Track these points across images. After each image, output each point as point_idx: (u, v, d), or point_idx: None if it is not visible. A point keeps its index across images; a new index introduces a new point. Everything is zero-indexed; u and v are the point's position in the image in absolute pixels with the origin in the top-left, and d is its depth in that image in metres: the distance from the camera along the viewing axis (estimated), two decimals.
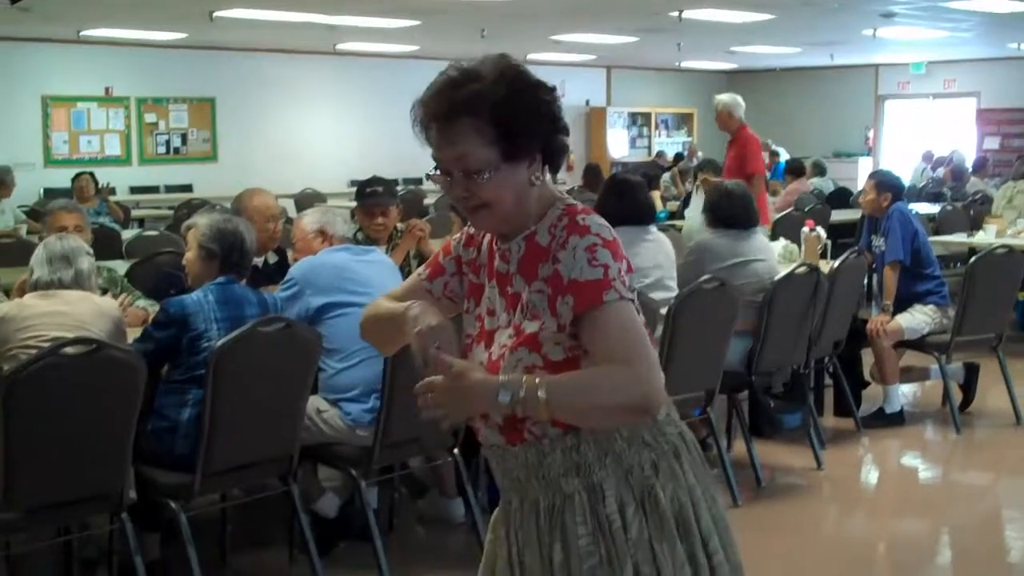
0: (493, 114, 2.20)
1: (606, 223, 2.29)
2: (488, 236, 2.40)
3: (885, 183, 7.09)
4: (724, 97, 9.90)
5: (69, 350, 3.72)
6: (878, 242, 6.99)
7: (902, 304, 6.88)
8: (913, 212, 7.16)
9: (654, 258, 5.73)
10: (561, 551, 2.28)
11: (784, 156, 18.20)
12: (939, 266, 7.17)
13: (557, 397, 2.12)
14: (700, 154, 19.69)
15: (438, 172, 2.27)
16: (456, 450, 4.76)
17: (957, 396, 7.13)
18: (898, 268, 6.81)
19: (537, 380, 2.12)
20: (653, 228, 5.95)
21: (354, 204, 6.25)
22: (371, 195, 5.76)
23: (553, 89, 2.31)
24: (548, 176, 2.34)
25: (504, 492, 2.42)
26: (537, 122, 2.26)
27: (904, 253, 6.79)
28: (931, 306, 6.87)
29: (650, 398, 2.14)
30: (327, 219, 5.13)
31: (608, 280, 2.19)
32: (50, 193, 13.91)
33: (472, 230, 2.44)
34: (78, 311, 4.19)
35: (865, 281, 7.91)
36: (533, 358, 2.24)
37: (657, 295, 5.39)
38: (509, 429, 2.31)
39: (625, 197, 5.84)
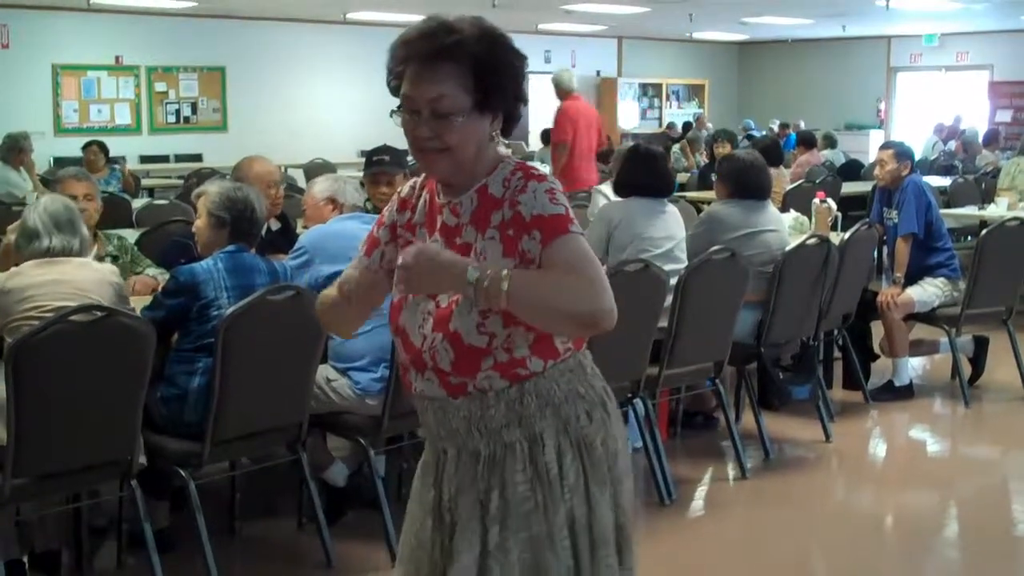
0: (474, 64, 2.31)
1: None
2: (425, 194, 2.48)
3: (905, 152, 7.05)
4: (556, 72, 11.15)
5: (77, 317, 3.72)
6: (891, 214, 6.96)
7: (913, 277, 6.86)
8: (927, 184, 7.13)
9: (666, 229, 5.71)
10: (499, 497, 2.39)
11: (798, 127, 18.16)
12: (950, 239, 7.14)
13: (519, 290, 2.18)
14: (710, 125, 19.68)
15: (402, 110, 2.35)
16: None
17: (966, 369, 7.12)
18: (911, 241, 6.79)
19: (503, 272, 2.19)
20: (666, 200, 5.93)
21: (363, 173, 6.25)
22: (377, 163, 5.74)
23: (525, 58, 2.41)
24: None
25: (436, 442, 2.49)
26: (509, 82, 2.37)
27: (918, 226, 6.77)
28: (942, 279, 6.85)
29: (602, 315, 2.21)
30: (337, 187, 5.13)
31: (570, 216, 2.32)
32: (60, 162, 13.92)
33: (405, 193, 2.54)
34: (79, 279, 4.17)
35: (875, 254, 7.88)
36: None
37: (668, 266, 5.37)
38: (452, 382, 2.38)
39: (647, 168, 5.82)
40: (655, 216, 5.69)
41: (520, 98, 2.41)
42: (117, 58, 16.90)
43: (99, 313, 3.77)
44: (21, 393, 3.66)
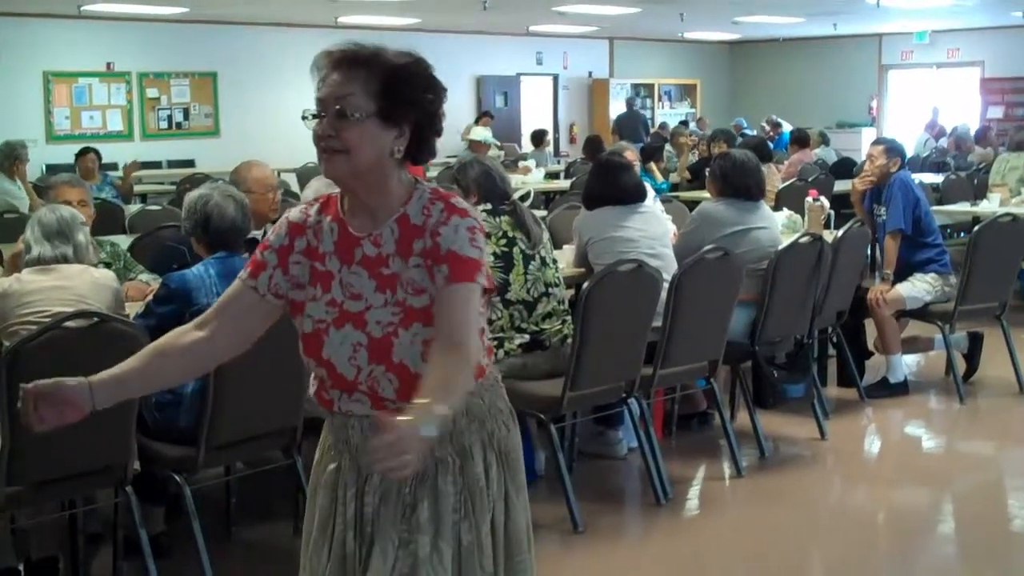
0: (384, 75, 2.37)
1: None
2: (330, 223, 2.48)
3: (895, 149, 7.06)
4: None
5: (72, 324, 3.72)
6: (880, 211, 6.97)
7: (903, 273, 6.87)
8: (914, 180, 7.14)
9: (643, 229, 5.70)
10: (428, 508, 2.43)
11: (787, 127, 18.18)
12: (940, 234, 7.15)
13: (453, 404, 2.25)
14: (708, 121, 19.70)
15: (313, 113, 2.40)
16: None
17: (961, 365, 7.13)
18: (899, 237, 6.80)
19: (440, 410, 2.19)
20: (648, 202, 5.94)
21: None
22: None
23: (442, 90, 2.46)
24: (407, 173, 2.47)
25: (358, 456, 2.47)
26: (418, 102, 2.41)
27: (905, 222, 6.77)
28: (932, 274, 6.86)
29: (474, 380, 2.39)
30: (330, 191, 5.12)
31: (481, 263, 2.40)
32: (52, 169, 13.88)
33: (295, 218, 2.53)
34: (77, 284, 4.18)
35: (869, 251, 7.90)
36: (428, 331, 2.37)
37: (652, 264, 5.37)
38: (389, 407, 2.37)
39: (609, 180, 5.83)
40: (628, 219, 5.70)
41: (432, 126, 2.44)
42: (108, 65, 16.89)
43: (94, 319, 3.77)
44: (15, 399, 3.65)
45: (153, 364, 2.54)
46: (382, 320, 2.39)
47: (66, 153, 13.44)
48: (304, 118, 2.42)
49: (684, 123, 19.67)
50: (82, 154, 11.74)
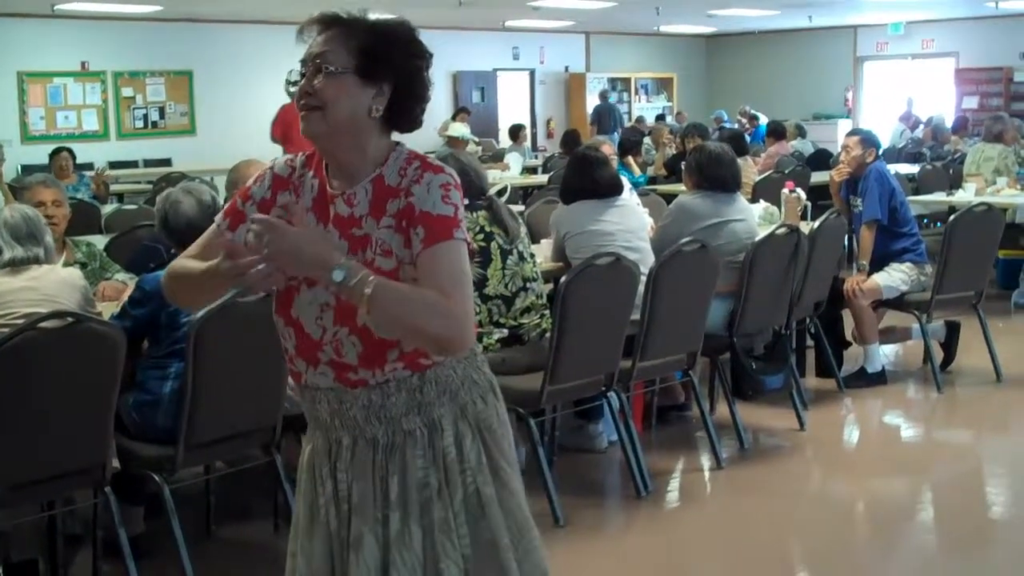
0: (365, 34, 2.36)
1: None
2: (313, 179, 2.46)
3: (870, 139, 7.10)
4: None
5: (48, 324, 3.70)
6: (856, 202, 6.99)
7: (879, 263, 6.90)
8: (890, 171, 7.16)
9: (620, 222, 5.71)
10: (398, 484, 2.42)
11: (763, 120, 18.24)
12: (916, 224, 7.18)
13: (380, 299, 2.21)
14: (685, 114, 19.74)
15: (295, 80, 2.39)
16: None
17: (938, 355, 7.16)
18: (875, 227, 6.82)
19: (371, 277, 2.21)
20: (625, 195, 5.94)
21: None
22: None
23: (428, 57, 2.43)
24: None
25: (328, 431, 2.48)
26: (399, 61, 2.38)
27: (882, 212, 6.80)
28: (908, 264, 6.89)
29: (456, 344, 2.31)
30: None
31: (457, 219, 2.35)
32: (28, 170, 13.78)
33: (280, 170, 2.51)
34: (45, 285, 4.15)
35: (845, 242, 7.92)
36: None
37: (629, 256, 5.37)
38: (352, 377, 2.39)
39: (585, 174, 5.83)
40: (605, 212, 5.71)
41: (414, 90, 2.41)
42: (83, 64, 16.81)
43: (69, 319, 3.76)
44: None
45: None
46: None
47: (41, 153, 13.37)
48: (288, 84, 2.41)
49: (662, 117, 19.72)
50: (55, 154, 11.69)
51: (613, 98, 22.61)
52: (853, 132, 7.37)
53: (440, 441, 2.43)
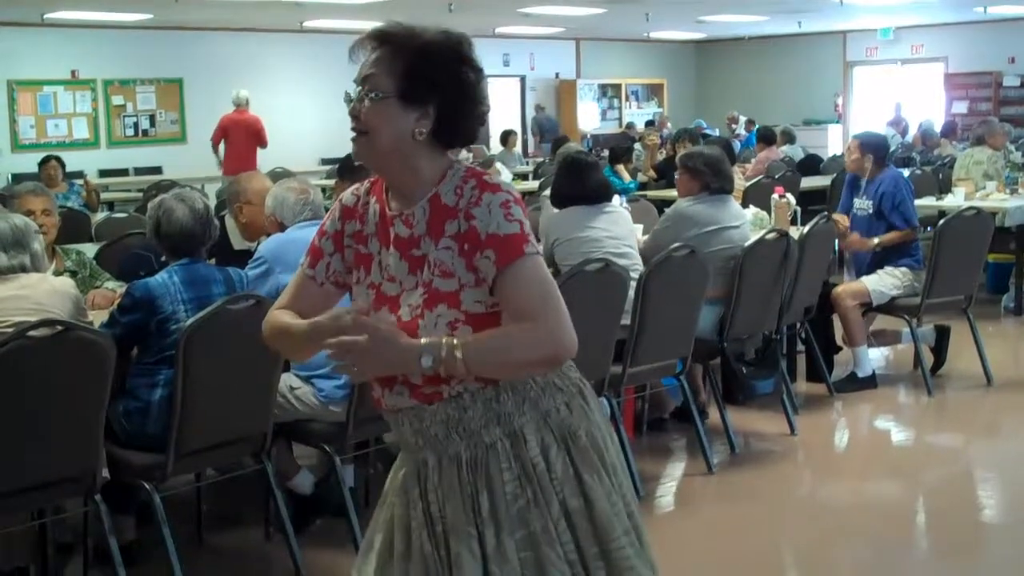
0: (411, 55, 2.32)
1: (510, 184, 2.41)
2: (375, 204, 2.45)
3: (868, 144, 7.14)
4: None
5: (37, 332, 3.69)
6: (863, 204, 7.03)
7: (874, 265, 6.93)
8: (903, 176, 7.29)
9: (608, 229, 5.70)
10: (488, 499, 2.36)
11: (741, 127, 18.30)
12: (919, 230, 7.25)
13: (474, 358, 2.25)
14: (669, 125, 19.76)
15: (353, 92, 2.37)
16: None
17: (928, 359, 7.17)
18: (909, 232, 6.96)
19: (455, 342, 2.23)
20: (614, 201, 5.95)
21: (330, 181, 6.21)
22: (360, 168, 5.69)
23: (478, 69, 2.38)
24: (456, 154, 2.43)
25: (415, 452, 2.45)
26: (444, 81, 2.34)
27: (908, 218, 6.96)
28: (903, 268, 6.92)
29: (561, 353, 2.31)
30: (275, 204, 5.08)
31: (525, 234, 2.32)
32: (18, 178, 13.79)
33: (347, 201, 2.51)
34: (36, 293, 4.14)
35: (835, 247, 7.95)
36: (453, 314, 2.32)
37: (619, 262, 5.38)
38: (426, 392, 2.37)
39: (577, 178, 5.83)
40: (594, 219, 5.70)
41: (463, 108, 2.37)
42: (73, 72, 16.80)
43: (59, 328, 3.75)
44: None
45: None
46: (412, 303, 2.34)
47: (32, 162, 13.32)
48: (347, 103, 2.38)
49: (651, 123, 19.75)
50: (44, 162, 11.67)
51: (604, 104, 22.61)
52: (856, 136, 7.43)
53: (525, 452, 2.38)
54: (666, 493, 5.49)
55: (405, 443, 2.48)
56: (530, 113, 22.94)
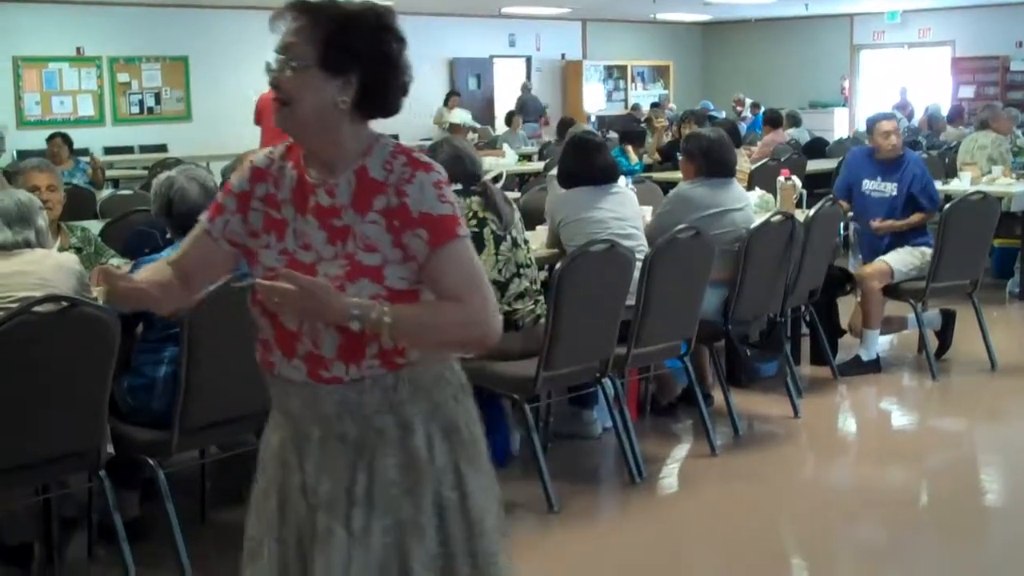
0: (331, 23, 2.32)
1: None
2: (292, 170, 2.44)
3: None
4: None
5: (42, 308, 3.69)
6: (880, 186, 7.03)
7: (892, 245, 6.95)
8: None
9: (614, 211, 5.69)
10: (366, 480, 2.39)
11: (746, 109, 18.25)
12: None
13: (400, 327, 2.29)
14: (673, 107, 19.74)
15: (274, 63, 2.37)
16: None
17: (933, 343, 7.16)
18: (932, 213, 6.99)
19: (386, 308, 2.26)
20: (620, 182, 5.94)
21: None
22: None
23: (402, 42, 2.38)
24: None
25: (298, 423, 2.45)
26: (366, 50, 2.33)
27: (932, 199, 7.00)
28: (923, 248, 6.93)
29: (484, 338, 2.36)
30: None
31: (457, 216, 2.35)
32: (24, 155, 13.78)
33: (259, 162, 2.49)
34: (41, 269, 4.14)
35: (841, 229, 7.94)
36: (375, 288, 2.32)
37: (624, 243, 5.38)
38: (325, 375, 2.37)
39: (585, 158, 5.82)
40: (600, 200, 5.69)
41: (385, 78, 2.36)
42: (78, 49, 16.78)
43: (64, 303, 3.75)
44: None
45: (162, 290, 2.51)
46: (330, 273, 2.33)
47: (37, 139, 13.36)
48: (268, 73, 2.38)
49: (657, 105, 19.72)
50: (50, 139, 11.68)
51: (609, 86, 22.57)
52: (891, 116, 7.47)
53: (412, 441, 2.40)
54: (669, 475, 5.49)
55: (289, 412, 2.48)
56: (536, 94, 22.88)
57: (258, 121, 13.31)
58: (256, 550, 2.56)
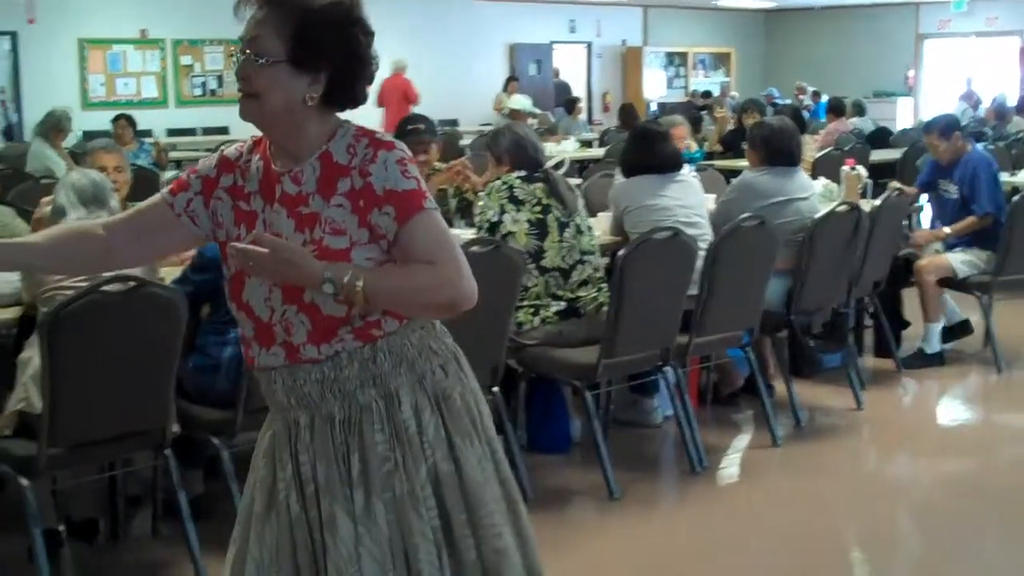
0: (299, 16, 2.29)
1: None
2: (259, 161, 2.44)
3: (949, 126, 7.02)
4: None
5: (111, 287, 3.73)
6: (947, 186, 6.94)
7: (957, 244, 6.86)
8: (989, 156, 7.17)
9: (679, 198, 5.65)
10: (359, 460, 2.38)
11: (808, 97, 18.10)
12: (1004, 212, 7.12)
13: (374, 290, 2.27)
14: (735, 94, 19.61)
15: (238, 51, 2.35)
16: (496, 388, 4.74)
17: (996, 337, 7.06)
18: (989, 220, 6.81)
19: (357, 273, 2.25)
20: (684, 170, 5.91)
21: None
22: (412, 132, 5.70)
23: (368, 33, 2.37)
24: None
25: (286, 411, 2.45)
26: (336, 45, 2.32)
27: (996, 205, 6.81)
28: (988, 252, 6.81)
29: (458, 299, 2.32)
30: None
31: (423, 191, 2.34)
32: (89, 136, 13.93)
33: (230, 154, 2.49)
34: None
35: (906, 221, 7.85)
36: None
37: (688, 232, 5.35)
38: (302, 356, 2.37)
39: (648, 148, 5.79)
40: (664, 188, 5.65)
41: (354, 71, 2.36)
42: (142, 31, 16.93)
43: (132, 283, 3.79)
44: (56, 363, 3.68)
45: (53, 242, 2.52)
46: None
47: (102, 120, 13.49)
48: (231, 56, 2.37)
49: (708, 94, 19.63)
50: (115, 120, 11.81)
51: (670, 72, 22.45)
52: (928, 129, 7.26)
53: (399, 414, 2.39)
54: (730, 464, 5.47)
55: (276, 402, 2.47)
56: (596, 80, 22.84)
57: (379, 103, 14.51)
58: (233, 553, 2.55)
